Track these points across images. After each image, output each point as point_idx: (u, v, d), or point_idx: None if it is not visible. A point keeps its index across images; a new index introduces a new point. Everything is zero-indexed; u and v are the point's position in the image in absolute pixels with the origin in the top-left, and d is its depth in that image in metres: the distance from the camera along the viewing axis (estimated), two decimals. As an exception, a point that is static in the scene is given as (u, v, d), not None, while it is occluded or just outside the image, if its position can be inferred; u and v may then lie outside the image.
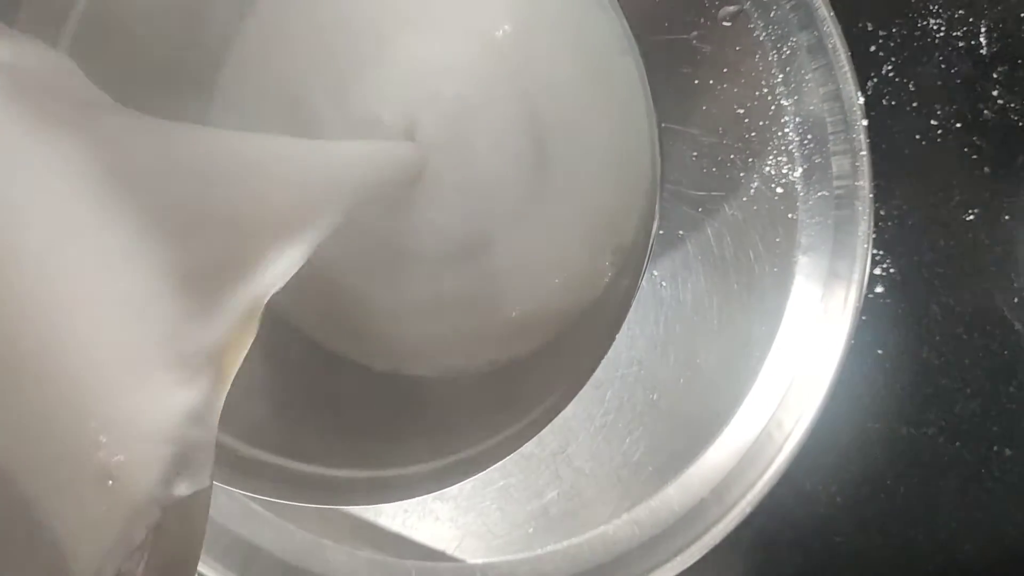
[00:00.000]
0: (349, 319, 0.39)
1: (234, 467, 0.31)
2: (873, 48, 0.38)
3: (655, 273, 0.39)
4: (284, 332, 0.39)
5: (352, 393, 0.38)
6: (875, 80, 0.38)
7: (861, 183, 0.36)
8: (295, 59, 0.39)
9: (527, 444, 0.42)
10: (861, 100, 0.35)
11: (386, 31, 0.38)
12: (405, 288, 0.39)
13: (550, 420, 0.29)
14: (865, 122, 0.35)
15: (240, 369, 0.22)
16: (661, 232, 0.39)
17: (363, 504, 0.32)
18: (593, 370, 0.29)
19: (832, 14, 0.35)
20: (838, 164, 0.36)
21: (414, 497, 0.31)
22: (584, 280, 0.39)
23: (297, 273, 0.26)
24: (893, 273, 0.38)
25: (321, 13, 0.39)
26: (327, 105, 0.39)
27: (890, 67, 0.38)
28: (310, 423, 0.35)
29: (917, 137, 0.37)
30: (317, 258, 0.37)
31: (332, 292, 0.39)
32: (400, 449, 0.33)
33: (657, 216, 0.25)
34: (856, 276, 0.36)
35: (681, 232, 0.38)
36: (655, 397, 0.39)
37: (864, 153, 0.35)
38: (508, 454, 0.29)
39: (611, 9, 0.28)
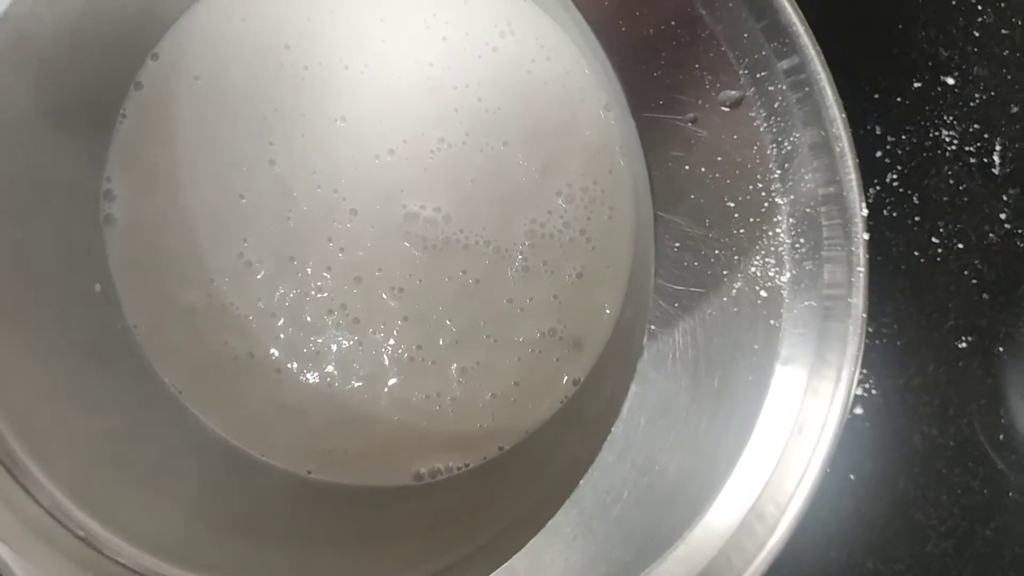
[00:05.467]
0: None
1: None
2: (879, 154, 0.33)
3: (619, 368, 0.33)
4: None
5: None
6: (877, 187, 0.33)
7: (855, 300, 0.29)
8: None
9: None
10: (865, 212, 0.30)
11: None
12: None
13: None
14: (866, 236, 0.29)
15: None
16: (631, 324, 0.33)
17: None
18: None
19: (844, 115, 0.29)
20: (830, 273, 0.30)
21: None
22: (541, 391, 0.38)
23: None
24: (876, 395, 0.32)
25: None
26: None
27: (895, 176, 0.32)
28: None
29: (916, 253, 0.32)
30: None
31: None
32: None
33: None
34: (839, 399, 0.30)
35: (653, 327, 0.32)
36: (607, 501, 0.33)
37: (862, 269, 0.29)
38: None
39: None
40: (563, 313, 0.39)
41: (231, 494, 0.38)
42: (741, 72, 0.30)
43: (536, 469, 0.38)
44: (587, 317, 0.39)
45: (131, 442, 0.37)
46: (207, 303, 0.38)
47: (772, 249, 0.31)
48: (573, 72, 0.38)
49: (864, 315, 0.30)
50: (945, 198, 0.33)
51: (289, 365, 0.39)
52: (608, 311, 0.38)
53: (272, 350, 0.38)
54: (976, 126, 0.32)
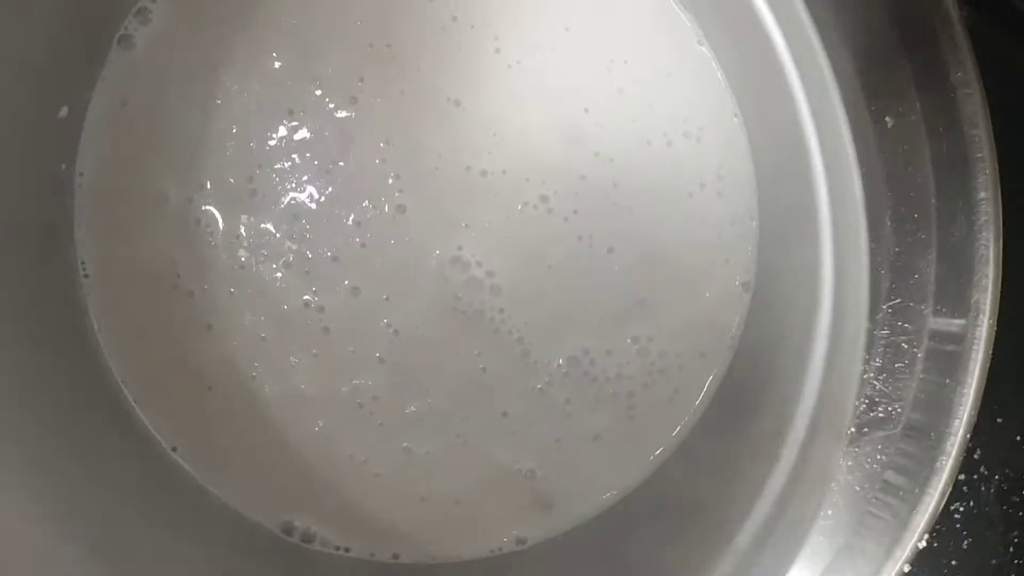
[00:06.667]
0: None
1: None
2: (962, 476, 0.49)
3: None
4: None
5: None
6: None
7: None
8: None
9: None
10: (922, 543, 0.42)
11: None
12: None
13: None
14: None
15: None
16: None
17: None
18: None
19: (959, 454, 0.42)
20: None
21: None
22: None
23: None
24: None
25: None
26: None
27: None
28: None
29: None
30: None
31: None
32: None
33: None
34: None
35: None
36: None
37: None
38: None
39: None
40: (554, 464, 0.51)
41: (68, 431, 0.49)
42: (884, 307, 0.42)
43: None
44: (576, 484, 0.51)
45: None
46: (181, 205, 0.51)
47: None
48: (739, 225, 0.51)
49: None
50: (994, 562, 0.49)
51: (221, 326, 0.51)
52: (605, 496, 0.51)
53: (218, 296, 0.51)
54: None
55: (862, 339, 0.35)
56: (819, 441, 0.38)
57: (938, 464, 0.43)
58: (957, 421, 0.44)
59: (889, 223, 0.46)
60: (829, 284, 0.39)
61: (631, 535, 0.49)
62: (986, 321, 0.43)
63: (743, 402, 0.47)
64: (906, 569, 0.42)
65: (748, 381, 0.48)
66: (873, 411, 0.43)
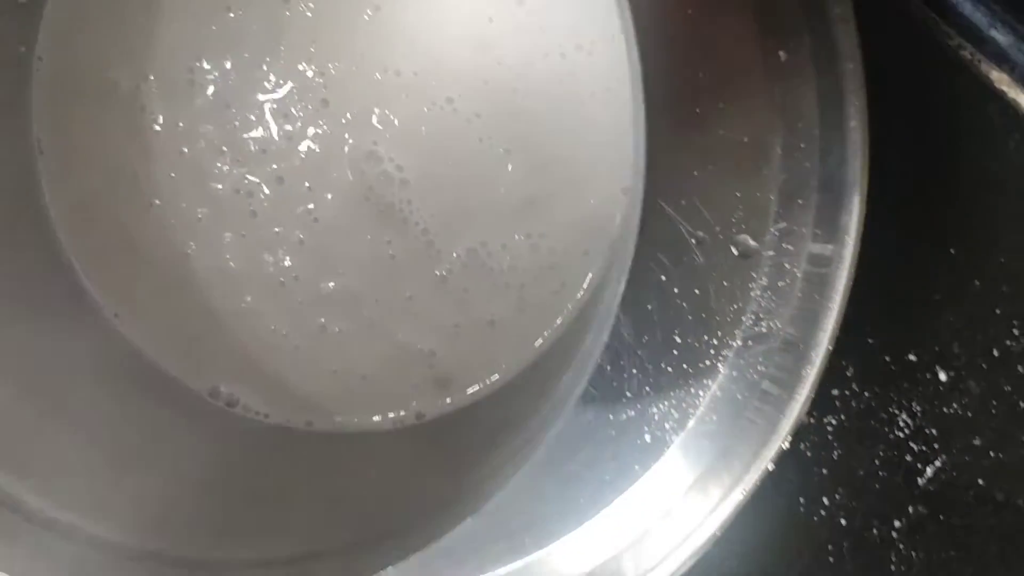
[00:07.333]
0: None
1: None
2: (835, 391, 0.54)
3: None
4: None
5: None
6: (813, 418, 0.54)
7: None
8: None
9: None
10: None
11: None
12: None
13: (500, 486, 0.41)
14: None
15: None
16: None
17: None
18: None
19: (831, 348, 0.47)
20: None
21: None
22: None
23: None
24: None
25: None
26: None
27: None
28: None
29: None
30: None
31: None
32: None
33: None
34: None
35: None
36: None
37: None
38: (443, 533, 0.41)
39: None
40: (452, 346, 0.55)
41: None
42: (772, 229, 0.48)
43: (315, 467, 0.57)
44: (471, 366, 0.55)
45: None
46: (129, 92, 0.56)
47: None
48: (623, 135, 0.54)
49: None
50: (860, 472, 0.54)
51: (162, 205, 0.57)
52: (495, 377, 0.56)
53: (160, 178, 0.57)
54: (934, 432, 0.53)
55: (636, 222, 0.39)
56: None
57: (804, 372, 0.48)
58: (822, 333, 0.48)
59: (779, 151, 0.49)
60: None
61: (513, 413, 0.53)
62: (851, 242, 0.47)
63: (605, 295, 0.51)
64: (771, 467, 0.47)
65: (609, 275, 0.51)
66: (757, 326, 0.48)
